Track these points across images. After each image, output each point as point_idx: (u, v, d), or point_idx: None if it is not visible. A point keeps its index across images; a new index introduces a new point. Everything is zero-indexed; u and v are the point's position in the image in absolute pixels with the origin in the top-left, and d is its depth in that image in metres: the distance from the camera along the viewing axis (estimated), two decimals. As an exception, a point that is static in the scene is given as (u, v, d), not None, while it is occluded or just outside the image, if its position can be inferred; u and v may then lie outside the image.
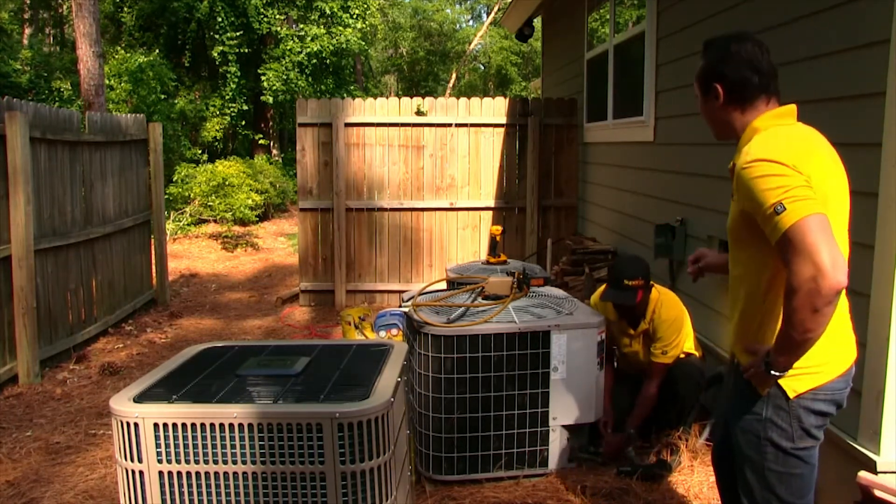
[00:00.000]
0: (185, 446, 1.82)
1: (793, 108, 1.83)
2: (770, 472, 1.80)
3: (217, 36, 13.75)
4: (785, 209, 1.58)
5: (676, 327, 3.32)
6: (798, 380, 1.74)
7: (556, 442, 3.19)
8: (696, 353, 3.45)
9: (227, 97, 14.29)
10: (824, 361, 1.74)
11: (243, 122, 15.05)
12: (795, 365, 1.72)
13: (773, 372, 1.72)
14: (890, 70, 2.34)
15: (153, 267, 6.85)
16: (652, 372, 3.35)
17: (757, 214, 1.66)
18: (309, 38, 14.64)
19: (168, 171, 11.14)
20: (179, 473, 1.84)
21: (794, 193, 1.59)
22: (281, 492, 1.82)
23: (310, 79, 14.87)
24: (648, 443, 3.45)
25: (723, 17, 3.73)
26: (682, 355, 3.37)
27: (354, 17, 15.55)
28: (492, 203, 6.77)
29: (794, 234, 1.56)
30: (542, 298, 3.48)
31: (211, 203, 11.05)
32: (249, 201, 11.32)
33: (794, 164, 1.64)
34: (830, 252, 1.54)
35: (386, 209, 6.70)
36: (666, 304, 3.35)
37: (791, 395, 1.75)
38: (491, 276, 3.62)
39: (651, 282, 3.32)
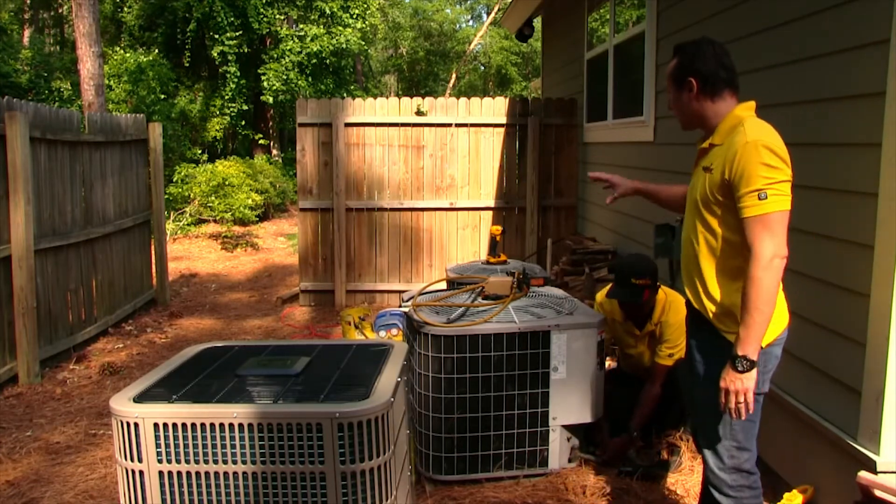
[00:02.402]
0: (185, 446, 1.83)
1: (754, 103, 2.14)
2: (737, 419, 2.05)
3: (217, 36, 13.74)
4: (767, 198, 1.91)
5: (683, 330, 3.31)
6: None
7: (556, 442, 3.19)
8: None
9: (226, 97, 14.28)
10: (777, 313, 2.04)
11: (243, 122, 15.05)
12: None
13: (752, 360, 1.93)
14: (890, 70, 2.34)
15: (153, 267, 6.85)
16: (655, 373, 3.34)
17: (738, 185, 1.95)
18: (309, 38, 14.63)
19: (168, 171, 11.14)
20: (179, 473, 1.84)
21: (778, 188, 1.92)
22: (281, 492, 1.83)
23: (310, 79, 14.87)
24: (650, 443, 3.45)
25: (723, 17, 3.72)
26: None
27: (354, 17, 15.55)
28: (492, 203, 6.77)
29: (768, 221, 1.91)
30: (542, 298, 3.48)
31: (211, 203, 11.05)
32: (249, 201, 11.32)
33: (787, 159, 1.95)
34: (784, 243, 1.93)
35: (386, 209, 6.70)
36: (674, 306, 3.33)
37: (763, 345, 2.02)
38: (491, 276, 3.62)
39: (658, 282, 3.32)
